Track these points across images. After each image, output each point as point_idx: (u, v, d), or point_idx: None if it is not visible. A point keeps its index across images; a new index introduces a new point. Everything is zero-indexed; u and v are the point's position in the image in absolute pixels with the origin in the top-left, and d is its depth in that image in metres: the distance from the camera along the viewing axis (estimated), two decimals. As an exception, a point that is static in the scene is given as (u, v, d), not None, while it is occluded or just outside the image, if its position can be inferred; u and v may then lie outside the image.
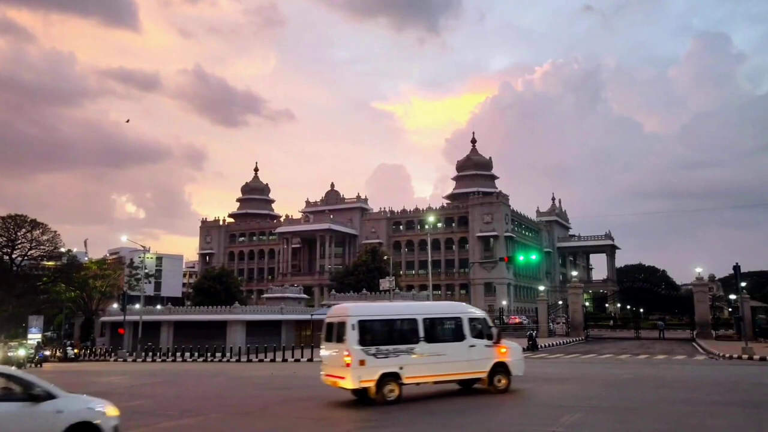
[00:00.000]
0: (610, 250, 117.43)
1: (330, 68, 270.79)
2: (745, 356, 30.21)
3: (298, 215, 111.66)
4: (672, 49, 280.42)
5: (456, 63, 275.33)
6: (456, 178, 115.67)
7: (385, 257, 69.92)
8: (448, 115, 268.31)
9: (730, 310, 61.30)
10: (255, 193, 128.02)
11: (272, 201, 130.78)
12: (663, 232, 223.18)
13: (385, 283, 45.33)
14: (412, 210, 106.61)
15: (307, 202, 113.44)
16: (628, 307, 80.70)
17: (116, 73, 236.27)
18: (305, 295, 74.84)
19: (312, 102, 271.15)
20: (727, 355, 31.49)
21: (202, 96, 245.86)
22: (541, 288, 70.15)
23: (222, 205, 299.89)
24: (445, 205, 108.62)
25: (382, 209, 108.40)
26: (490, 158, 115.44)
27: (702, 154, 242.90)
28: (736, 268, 50.88)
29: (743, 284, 53.61)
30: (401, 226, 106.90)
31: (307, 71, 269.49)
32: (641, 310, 65.75)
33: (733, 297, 58.08)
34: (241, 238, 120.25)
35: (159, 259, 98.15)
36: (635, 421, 12.40)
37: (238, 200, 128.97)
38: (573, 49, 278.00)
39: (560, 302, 70.35)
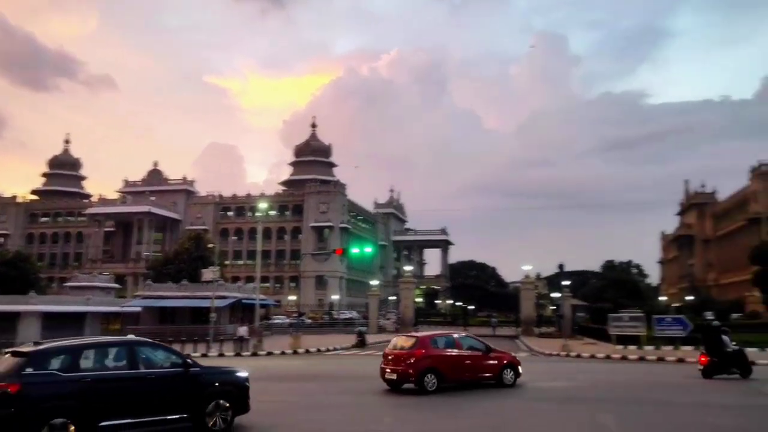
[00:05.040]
0: (445, 246, 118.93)
1: (159, 35, 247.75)
2: (563, 353, 31.18)
3: (114, 195, 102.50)
4: (515, 46, 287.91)
5: (300, 41, 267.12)
6: (293, 164, 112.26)
7: (211, 245, 63.94)
8: (288, 96, 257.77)
9: (553, 308, 63.85)
10: (64, 168, 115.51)
11: (84, 178, 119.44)
12: (497, 230, 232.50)
13: (209, 274, 40.44)
14: (243, 195, 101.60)
15: (126, 182, 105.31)
16: (459, 303, 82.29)
17: None
18: (116, 285, 67.05)
19: (137, 70, 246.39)
20: (547, 352, 32.84)
21: (4, 51, 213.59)
22: (374, 282, 68.38)
23: (23, 180, 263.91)
24: (279, 191, 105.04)
25: (210, 193, 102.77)
26: (330, 145, 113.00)
27: (536, 153, 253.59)
28: (561, 267, 53.28)
29: (566, 283, 56.05)
30: (230, 212, 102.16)
31: (133, 36, 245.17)
32: (472, 307, 66.77)
33: (555, 295, 60.36)
34: (45, 219, 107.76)
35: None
36: (459, 417, 12.63)
37: (44, 175, 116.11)
38: (420, 38, 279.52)
39: (393, 297, 69.17)
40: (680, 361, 26.25)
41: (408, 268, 74.03)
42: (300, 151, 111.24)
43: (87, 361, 9.68)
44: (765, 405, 13.99)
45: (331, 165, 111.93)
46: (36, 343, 9.99)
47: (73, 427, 9.08)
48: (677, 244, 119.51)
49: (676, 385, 18.23)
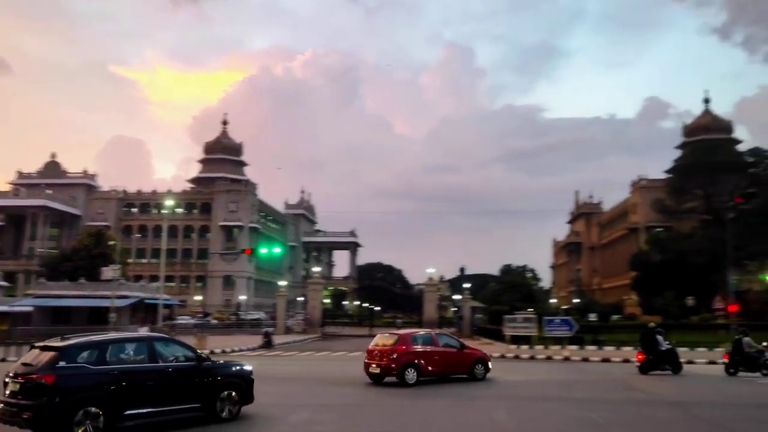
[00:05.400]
0: (353, 248, 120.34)
1: (61, 19, 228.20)
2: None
3: (5, 187, 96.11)
4: (425, 55, 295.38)
5: (213, 35, 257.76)
6: (202, 161, 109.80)
7: (112, 242, 61.79)
8: (199, 92, 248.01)
9: (454, 309, 66.37)
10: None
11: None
12: (404, 233, 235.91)
13: (109, 272, 39.53)
14: (149, 191, 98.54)
15: (20, 173, 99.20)
16: (366, 304, 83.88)
17: None
18: (5, 283, 63.28)
19: (35, 55, 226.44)
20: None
21: None
22: (283, 283, 68.55)
23: None
24: (188, 188, 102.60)
25: (114, 188, 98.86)
26: (241, 143, 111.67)
27: (443, 160, 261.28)
28: (462, 270, 55.93)
29: (467, 285, 58.77)
30: (134, 209, 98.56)
31: (33, 17, 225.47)
32: (379, 308, 68.01)
33: (457, 297, 62.86)
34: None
35: None
36: (363, 417, 13.13)
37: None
38: (335, 40, 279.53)
39: (301, 298, 69.56)
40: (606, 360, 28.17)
41: (317, 269, 74.61)
42: (210, 148, 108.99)
43: (113, 355, 10.51)
44: (640, 399, 15.85)
45: (242, 164, 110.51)
46: (64, 338, 10.74)
47: (102, 415, 9.89)
48: (567, 251, 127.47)
49: (613, 380, 19.68)
